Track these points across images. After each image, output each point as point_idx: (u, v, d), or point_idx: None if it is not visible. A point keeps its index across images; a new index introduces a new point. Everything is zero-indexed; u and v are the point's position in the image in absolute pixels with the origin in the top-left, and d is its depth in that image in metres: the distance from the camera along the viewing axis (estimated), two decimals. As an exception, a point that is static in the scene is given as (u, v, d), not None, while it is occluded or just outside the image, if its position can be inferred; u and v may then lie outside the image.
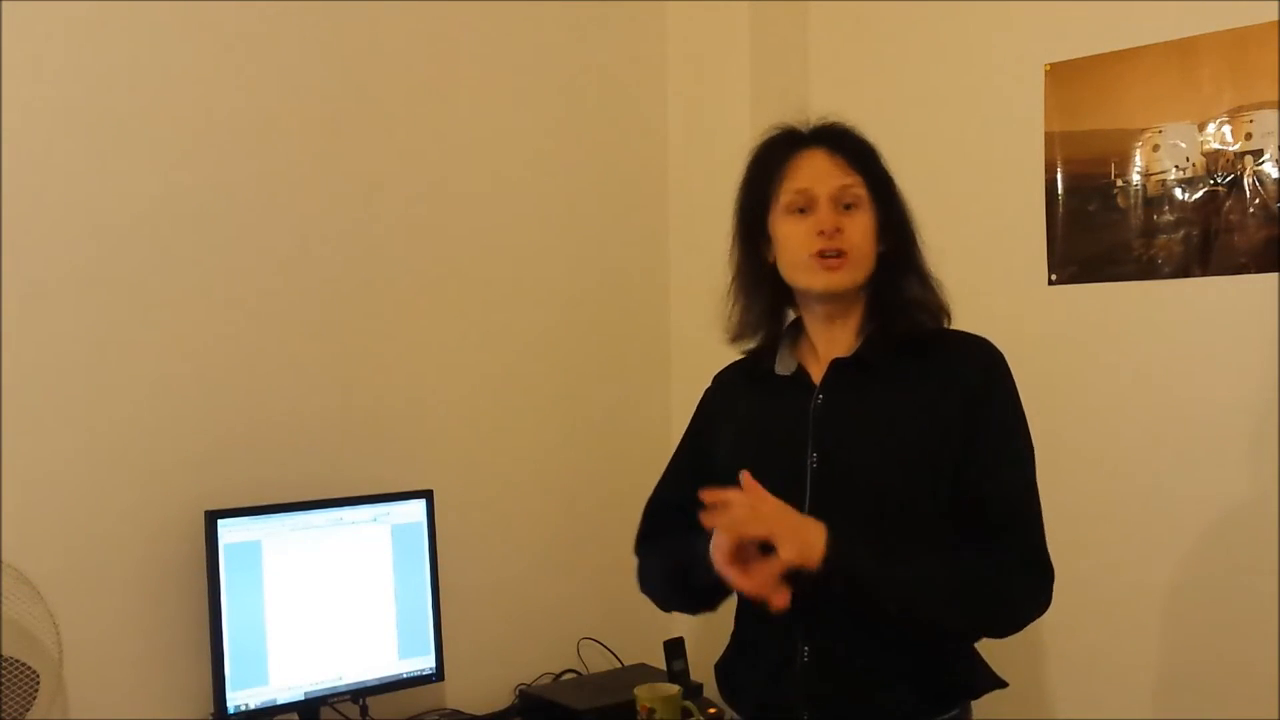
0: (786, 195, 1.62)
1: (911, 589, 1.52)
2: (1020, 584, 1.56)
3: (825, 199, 1.60)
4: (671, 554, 1.69)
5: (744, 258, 1.71)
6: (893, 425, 1.58)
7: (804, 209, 1.61)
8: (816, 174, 1.61)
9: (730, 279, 1.73)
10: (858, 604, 1.50)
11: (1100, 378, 2.48)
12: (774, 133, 1.69)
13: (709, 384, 1.84)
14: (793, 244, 1.62)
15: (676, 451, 1.86)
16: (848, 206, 1.61)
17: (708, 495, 1.49)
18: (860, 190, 1.61)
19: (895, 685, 1.57)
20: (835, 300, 1.64)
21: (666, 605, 1.86)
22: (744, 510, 1.47)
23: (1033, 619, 1.58)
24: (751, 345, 1.73)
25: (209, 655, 2.03)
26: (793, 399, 1.65)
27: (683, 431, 1.86)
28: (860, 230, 1.60)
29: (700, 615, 1.80)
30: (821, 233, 1.58)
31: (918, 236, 1.67)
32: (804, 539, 1.46)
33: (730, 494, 1.48)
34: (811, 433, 1.61)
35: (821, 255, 1.59)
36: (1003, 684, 1.64)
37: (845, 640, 1.58)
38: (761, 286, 1.69)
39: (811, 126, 1.68)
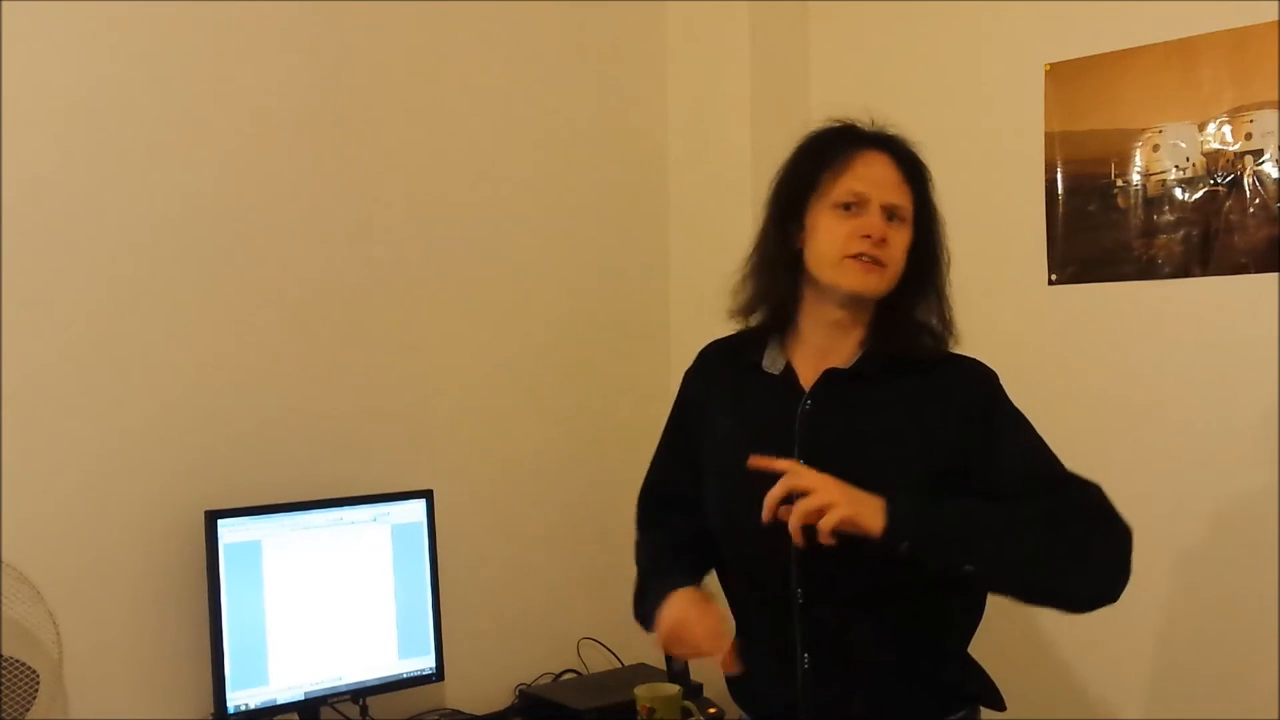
0: (840, 191, 1.61)
1: (998, 538, 1.47)
2: (1108, 538, 1.51)
3: (878, 205, 1.59)
4: (649, 571, 1.73)
5: (772, 238, 1.68)
6: (879, 439, 1.58)
7: (851, 207, 1.60)
8: (876, 179, 1.61)
9: (750, 255, 1.71)
10: (934, 566, 1.46)
11: (1100, 378, 2.48)
12: (835, 125, 1.68)
13: (695, 361, 1.83)
14: (832, 240, 1.60)
15: (664, 435, 1.84)
16: (891, 219, 1.60)
17: (756, 462, 1.50)
18: (908, 208, 1.62)
19: (895, 690, 1.57)
20: (855, 305, 1.63)
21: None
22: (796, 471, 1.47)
23: (1119, 580, 1.50)
24: (752, 321, 1.72)
25: (209, 655, 2.03)
26: (780, 399, 1.64)
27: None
28: (901, 245, 1.61)
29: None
30: (867, 236, 1.58)
31: (946, 264, 1.66)
32: (862, 501, 1.43)
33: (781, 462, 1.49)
34: (798, 437, 1.61)
35: (858, 257, 1.58)
36: (1002, 706, 1.64)
37: (844, 646, 1.58)
38: (780, 270, 1.67)
39: (874, 129, 1.67)
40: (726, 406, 1.72)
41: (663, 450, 1.85)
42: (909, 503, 1.45)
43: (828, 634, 1.58)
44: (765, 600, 1.63)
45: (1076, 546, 1.49)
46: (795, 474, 1.46)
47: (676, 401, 1.84)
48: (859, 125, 1.68)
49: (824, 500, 1.42)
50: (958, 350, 1.67)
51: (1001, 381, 1.64)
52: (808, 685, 1.58)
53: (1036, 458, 1.58)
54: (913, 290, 1.64)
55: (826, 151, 1.65)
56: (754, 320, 1.71)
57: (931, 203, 1.66)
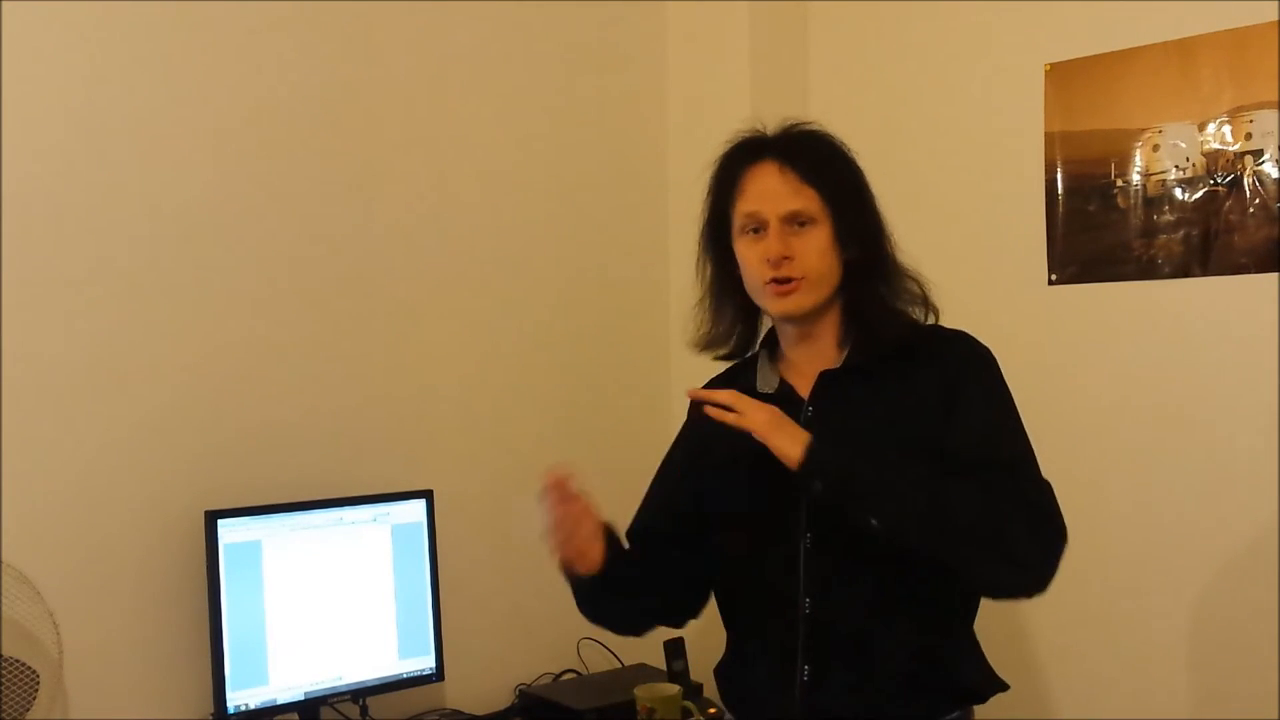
0: (740, 218, 1.60)
1: (905, 499, 1.46)
2: (1038, 538, 1.48)
3: (775, 221, 1.56)
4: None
5: (711, 271, 1.69)
6: (883, 432, 1.57)
7: (757, 230, 1.59)
8: (765, 194, 1.58)
9: (700, 291, 1.71)
10: (844, 509, 1.47)
11: (1100, 378, 2.48)
12: (733, 142, 1.65)
13: (690, 405, 1.82)
14: (749, 269, 1.61)
15: (655, 478, 1.83)
16: (801, 224, 1.57)
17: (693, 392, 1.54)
18: (812, 206, 1.56)
19: (896, 699, 1.56)
20: (799, 321, 1.62)
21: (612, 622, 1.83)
22: (734, 399, 1.51)
23: (1039, 571, 1.48)
24: (722, 353, 1.72)
25: (209, 655, 2.03)
26: None
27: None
28: (815, 249, 1.57)
29: (625, 634, 1.82)
30: (769, 261, 1.56)
31: (889, 239, 1.63)
32: (788, 429, 1.49)
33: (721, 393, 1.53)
34: None
35: (774, 282, 1.57)
36: (1004, 686, 1.63)
37: (847, 657, 1.57)
38: (729, 299, 1.68)
39: (770, 132, 1.63)
40: (725, 434, 1.71)
41: (649, 495, 1.83)
42: (832, 449, 1.48)
43: (831, 643, 1.57)
44: (770, 611, 1.62)
45: (991, 530, 1.46)
46: (740, 404, 1.51)
47: (669, 452, 1.83)
48: (753, 135, 1.64)
49: (750, 423, 1.49)
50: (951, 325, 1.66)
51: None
52: (806, 694, 1.58)
53: (994, 435, 1.55)
54: (866, 275, 1.61)
55: (722, 179, 1.64)
56: (723, 349, 1.71)
57: (846, 186, 1.59)
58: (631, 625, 1.81)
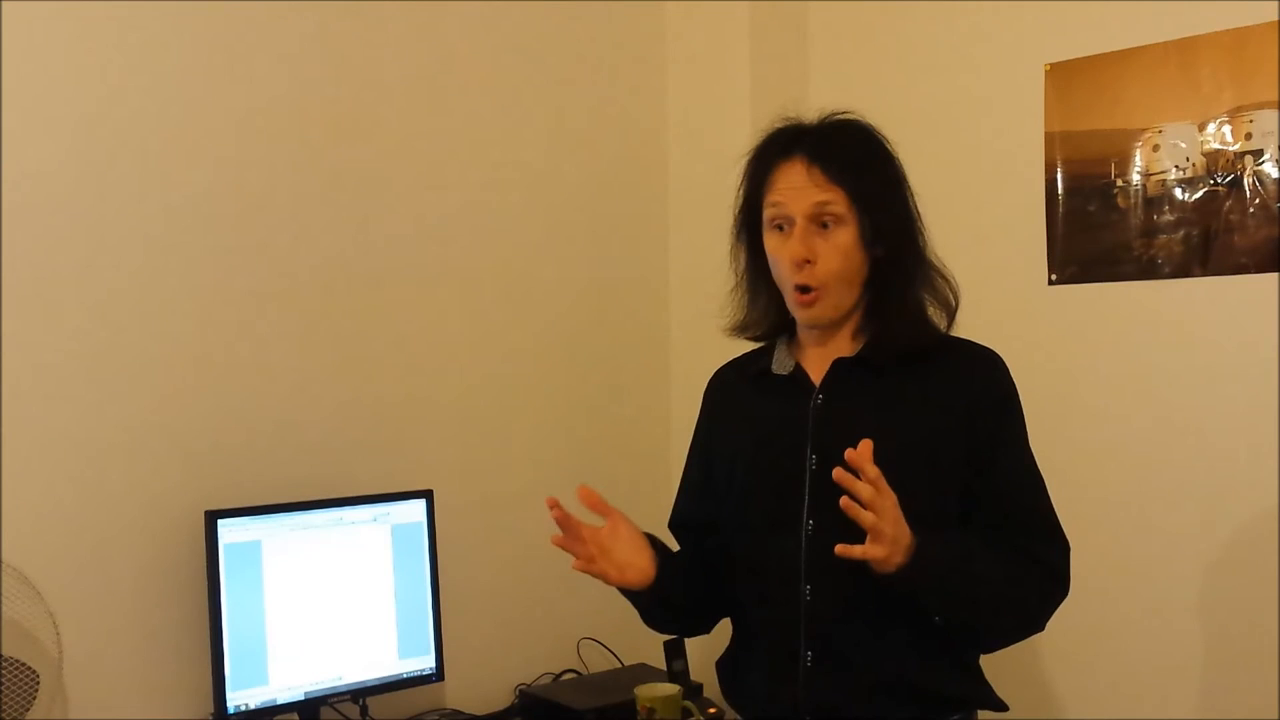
0: (769, 212, 1.61)
1: (969, 601, 1.53)
2: (1047, 601, 1.60)
3: (800, 218, 1.57)
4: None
5: (744, 259, 1.70)
6: (894, 427, 1.56)
7: (783, 225, 1.59)
8: (792, 190, 1.57)
9: (734, 278, 1.72)
10: (912, 600, 1.51)
11: (1100, 378, 2.48)
12: (769, 132, 1.66)
13: (707, 385, 1.83)
14: (775, 266, 1.62)
15: (687, 463, 1.84)
16: (826, 224, 1.57)
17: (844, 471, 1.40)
18: (838, 206, 1.56)
19: (897, 691, 1.56)
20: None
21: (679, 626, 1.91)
22: (873, 494, 1.40)
23: (1040, 630, 1.63)
24: (756, 335, 1.72)
25: (209, 655, 2.03)
26: (791, 399, 1.64)
27: (682, 431, 1.86)
28: (838, 252, 1.56)
29: (695, 635, 1.84)
30: (793, 262, 1.57)
31: (920, 237, 1.63)
32: (901, 544, 1.44)
33: (869, 471, 1.40)
34: (811, 433, 1.60)
35: (797, 290, 1.58)
36: (1004, 707, 1.65)
37: (848, 645, 1.57)
38: (762, 286, 1.68)
39: (807, 123, 1.64)
40: (741, 413, 1.73)
41: (683, 482, 1.85)
42: (929, 555, 1.46)
43: (832, 633, 1.58)
44: (771, 598, 1.63)
45: (1028, 616, 1.61)
46: (881, 494, 1.42)
47: (695, 433, 1.84)
48: (789, 126, 1.64)
49: (879, 533, 1.42)
50: (961, 332, 1.66)
51: None
52: (808, 684, 1.58)
53: (1037, 502, 1.61)
54: (892, 273, 1.60)
55: (754, 171, 1.64)
56: (756, 331, 1.72)
57: (876, 184, 1.59)
58: (696, 625, 1.82)
